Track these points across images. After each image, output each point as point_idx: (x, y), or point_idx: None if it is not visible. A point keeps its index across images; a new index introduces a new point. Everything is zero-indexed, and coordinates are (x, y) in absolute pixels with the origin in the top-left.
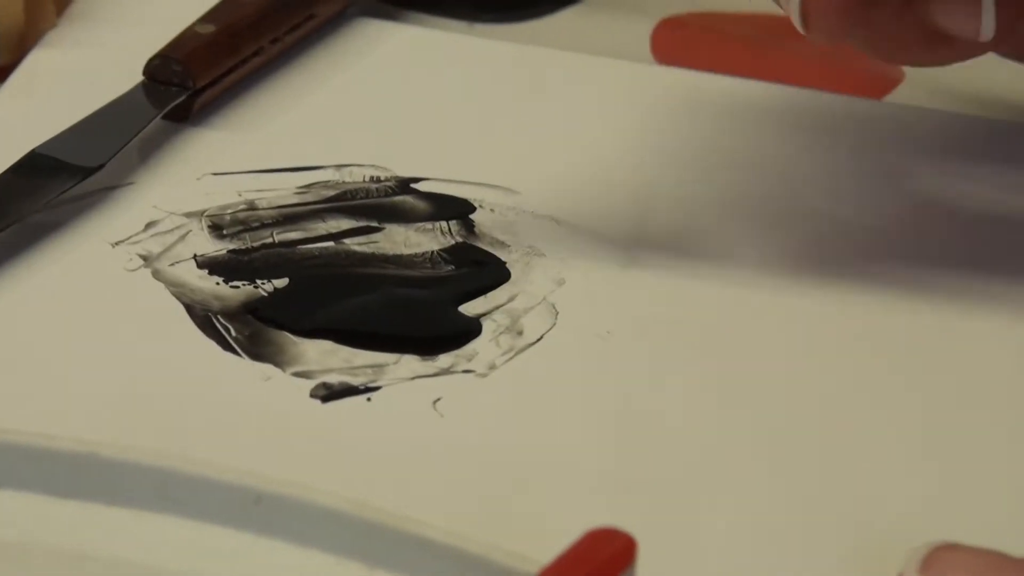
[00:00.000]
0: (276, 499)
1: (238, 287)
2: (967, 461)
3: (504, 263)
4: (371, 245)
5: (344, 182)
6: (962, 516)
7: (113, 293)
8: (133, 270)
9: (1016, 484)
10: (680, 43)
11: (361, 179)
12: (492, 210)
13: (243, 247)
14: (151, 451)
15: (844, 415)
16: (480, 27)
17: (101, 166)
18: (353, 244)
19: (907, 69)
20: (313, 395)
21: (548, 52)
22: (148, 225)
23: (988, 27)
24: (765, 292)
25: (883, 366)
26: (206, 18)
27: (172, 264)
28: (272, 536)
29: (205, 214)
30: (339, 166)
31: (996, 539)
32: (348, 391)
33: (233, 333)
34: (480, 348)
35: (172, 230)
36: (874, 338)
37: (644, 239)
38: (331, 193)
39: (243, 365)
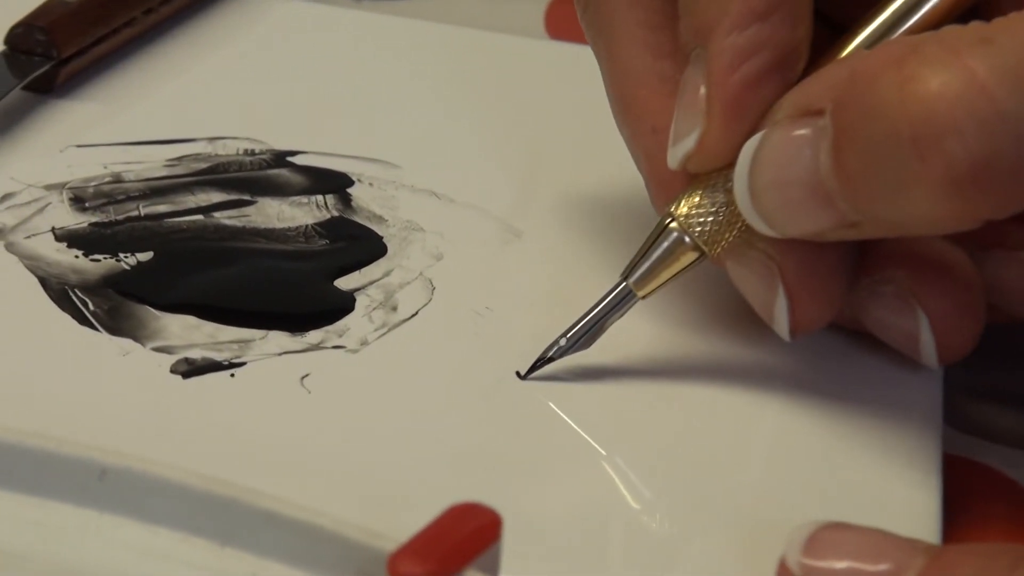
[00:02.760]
0: (120, 473)
1: (99, 260)
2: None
3: (380, 237)
4: (242, 219)
5: (216, 155)
6: (842, 498)
7: None
8: None
9: (889, 467)
10: (575, 18)
11: (235, 152)
12: (371, 184)
13: (106, 220)
14: None
15: (726, 392)
16: (368, 3)
17: None
18: (223, 217)
19: None
20: (174, 371)
21: (436, 26)
22: (4, 197)
23: (930, 357)
24: None
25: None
26: None
27: (27, 237)
28: (117, 512)
29: (67, 186)
30: (212, 139)
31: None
32: (211, 367)
33: (91, 307)
34: (352, 324)
35: (29, 202)
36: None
37: (527, 215)
38: (202, 166)
39: (100, 340)
